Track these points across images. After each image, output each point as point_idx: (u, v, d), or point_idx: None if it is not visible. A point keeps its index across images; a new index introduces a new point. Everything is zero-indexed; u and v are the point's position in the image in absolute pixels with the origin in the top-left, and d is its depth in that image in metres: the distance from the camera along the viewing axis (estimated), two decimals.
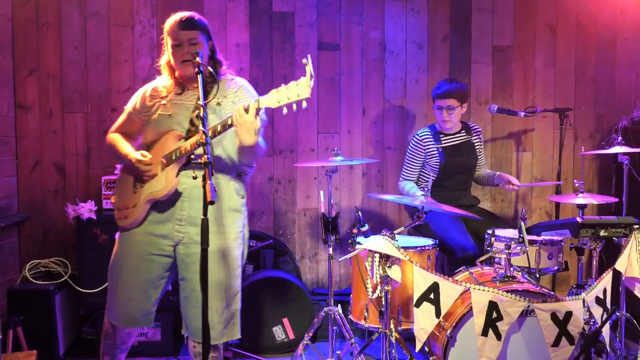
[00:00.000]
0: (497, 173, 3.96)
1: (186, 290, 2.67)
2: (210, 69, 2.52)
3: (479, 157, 3.99)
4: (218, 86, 2.64)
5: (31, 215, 4.04)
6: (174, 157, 2.56)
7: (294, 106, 2.34)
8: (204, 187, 2.03)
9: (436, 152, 3.83)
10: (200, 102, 2.30)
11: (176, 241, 2.65)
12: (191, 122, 2.62)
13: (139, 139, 2.83)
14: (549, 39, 4.47)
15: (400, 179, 3.97)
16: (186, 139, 2.59)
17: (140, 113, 2.77)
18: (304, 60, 2.28)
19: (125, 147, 2.73)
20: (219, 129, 2.47)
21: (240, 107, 2.38)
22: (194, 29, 2.64)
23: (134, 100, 2.82)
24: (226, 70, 2.81)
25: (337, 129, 4.33)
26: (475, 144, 3.97)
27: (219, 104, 2.67)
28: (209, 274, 2.49)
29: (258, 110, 2.38)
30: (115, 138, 2.82)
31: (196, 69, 2.47)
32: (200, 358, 2.60)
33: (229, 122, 2.43)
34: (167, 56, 2.73)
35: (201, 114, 2.25)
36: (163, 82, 2.78)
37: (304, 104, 2.32)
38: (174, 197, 2.60)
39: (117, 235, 2.80)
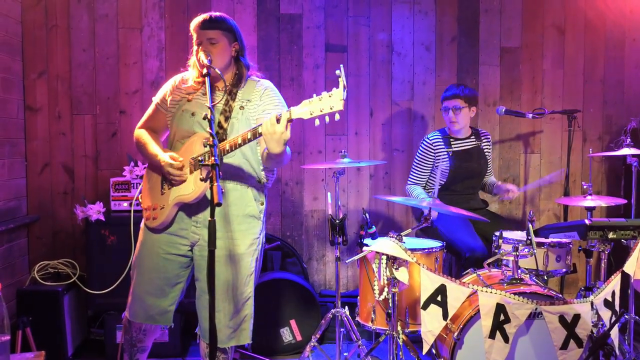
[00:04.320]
0: (497, 184, 3.95)
1: (198, 291, 2.70)
2: (217, 71, 2.51)
3: (488, 163, 3.99)
4: (230, 92, 2.64)
5: (40, 217, 4.06)
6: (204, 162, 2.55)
7: (327, 118, 2.31)
8: (210, 188, 2.04)
9: (446, 156, 3.82)
10: (214, 104, 2.29)
11: (192, 242, 2.67)
12: (219, 125, 2.60)
13: (165, 134, 2.83)
14: (557, 40, 4.45)
15: (408, 182, 3.95)
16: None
17: (168, 106, 2.75)
18: (337, 72, 2.25)
19: (154, 147, 2.71)
20: (248, 137, 2.44)
21: (272, 117, 2.34)
22: (214, 28, 2.62)
23: (163, 92, 2.80)
24: (251, 73, 2.78)
25: (345, 131, 4.34)
26: (485, 150, 3.96)
27: (242, 107, 2.65)
28: (219, 277, 2.51)
29: (290, 121, 2.35)
30: (143, 135, 2.79)
31: (204, 71, 2.48)
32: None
33: (259, 131, 2.40)
34: (193, 56, 2.70)
35: (209, 116, 2.25)
36: (192, 76, 2.74)
37: (337, 117, 2.29)
38: (200, 200, 2.60)
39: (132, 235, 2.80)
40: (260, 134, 2.41)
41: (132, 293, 2.76)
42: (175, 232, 2.67)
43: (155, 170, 2.74)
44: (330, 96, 2.29)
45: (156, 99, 2.83)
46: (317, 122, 2.32)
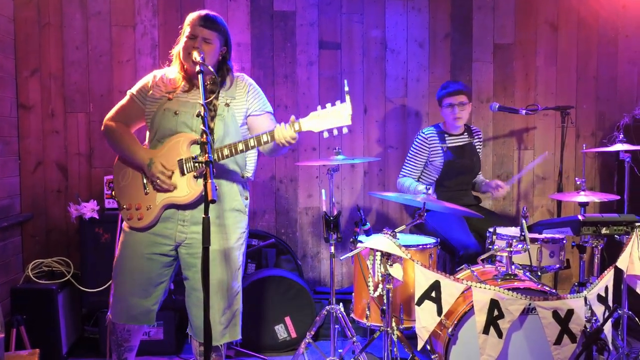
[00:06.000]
0: (485, 181, 3.98)
1: (188, 290, 2.70)
2: (210, 68, 2.52)
3: (479, 160, 4.00)
4: (219, 89, 2.66)
5: (34, 215, 4.05)
6: (197, 166, 2.58)
7: (335, 131, 2.49)
8: (205, 186, 2.03)
9: (441, 151, 3.82)
10: (201, 101, 2.30)
11: (177, 242, 2.66)
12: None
13: (135, 127, 2.80)
14: (550, 36, 4.47)
15: (400, 175, 3.95)
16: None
17: (145, 100, 2.73)
18: (346, 88, 2.45)
19: (136, 148, 2.68)
20: (251, 144, 2.53)
21: (281, 129, 2.49)
22: (212, 29, 2.64)
23: (140, 85, 2.77)
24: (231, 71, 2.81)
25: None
26: (477, 147, 3.98)
27: (227, 104, 2.67)
28: (210, 274, 2.51)
29: (298, 131, 2.51)
30: (118, 129, 2.73)
31: (197, 68, 2.48)
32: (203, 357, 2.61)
33: (264, 140, 2.52)
34: (179, 46, 2.69)
35: (202, 114, 2.25)
36: (172, 73, 2.74)
37: (345, 130, 2.48)
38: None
39: (119, 233, 2.79)
40: (266, 142, 2.53)
41: (113, 294, 2.75)
42: (160, 231, 2.66)
43: (131, 167, 2.70)
44: (337, 110, 2.45)
45: (132, 91, 2.78)
46: (325, 134, 2.50)
